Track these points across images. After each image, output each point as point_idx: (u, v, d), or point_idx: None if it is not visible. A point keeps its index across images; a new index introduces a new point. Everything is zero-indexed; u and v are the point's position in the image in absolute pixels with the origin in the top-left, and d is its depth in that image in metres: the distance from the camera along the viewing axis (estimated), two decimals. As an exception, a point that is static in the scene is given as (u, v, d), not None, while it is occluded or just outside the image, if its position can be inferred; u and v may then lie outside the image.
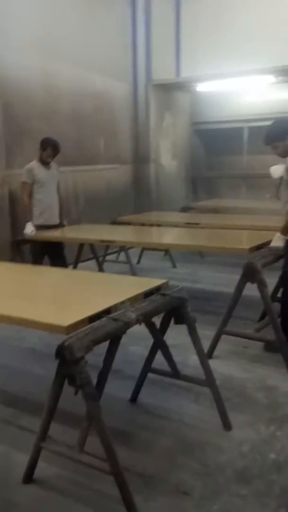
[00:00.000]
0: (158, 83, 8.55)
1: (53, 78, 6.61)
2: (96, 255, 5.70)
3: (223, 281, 5.74)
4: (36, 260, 5.02)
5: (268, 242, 3.93)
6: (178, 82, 8.87)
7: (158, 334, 2.86)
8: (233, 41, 8.50)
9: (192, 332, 2.87)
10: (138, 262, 6.86)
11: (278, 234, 3.74)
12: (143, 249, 6.78)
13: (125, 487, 2.14)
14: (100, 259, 5.99)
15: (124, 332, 2.48)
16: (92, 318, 2.36)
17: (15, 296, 2.86)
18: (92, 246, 5.60)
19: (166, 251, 6.68)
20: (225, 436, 2.79)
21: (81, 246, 5.60)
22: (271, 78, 8.24)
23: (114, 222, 6.07)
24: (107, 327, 2.32)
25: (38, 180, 5.10)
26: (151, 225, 6.00)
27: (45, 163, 5.14)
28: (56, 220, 5.34)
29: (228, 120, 9.21)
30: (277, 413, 3.03)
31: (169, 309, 2.80)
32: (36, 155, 5.20)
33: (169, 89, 8.90)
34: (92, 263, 5.89)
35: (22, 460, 2.51)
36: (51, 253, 5.14)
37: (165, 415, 3.04)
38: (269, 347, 3.93)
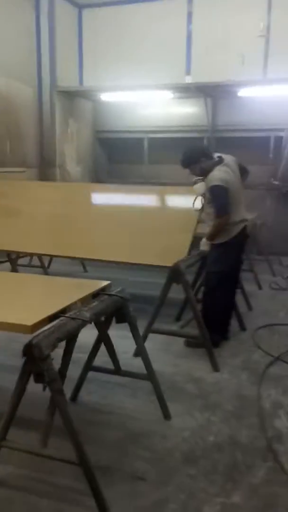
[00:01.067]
0: (62, 89, 8.63)
1: None
2: (11, 258, 5.61)
3: (137, 283, 5.99)
4: None
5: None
6: (81, 90, 9.05)
7: (105, 331, 3.00)
8: (133, 56, 8.93)
9: (134, 330, 3.05)
10: (48, 266, 6.84)
11: (204, 240, 4.14)
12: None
13: (94, 477, 2.24)
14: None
15: (79, 331, 2.60)
16: (51, 318, 2.44)
17: None
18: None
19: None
20: (167, 425, 3.02)
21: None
22: (169, 94, 8.75)
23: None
24: (68, 326, 2.42)
25: None
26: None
27: None
28: None
29: (130, 130, 9.54)
30: (208, 401, 3.33)
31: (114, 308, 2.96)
32: None
33: (73, 97, 9.01)
34: (5, 266, 5.78)
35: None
36: None
37: (108, 410, 3.19)
38: (190, 343, 4.26)
